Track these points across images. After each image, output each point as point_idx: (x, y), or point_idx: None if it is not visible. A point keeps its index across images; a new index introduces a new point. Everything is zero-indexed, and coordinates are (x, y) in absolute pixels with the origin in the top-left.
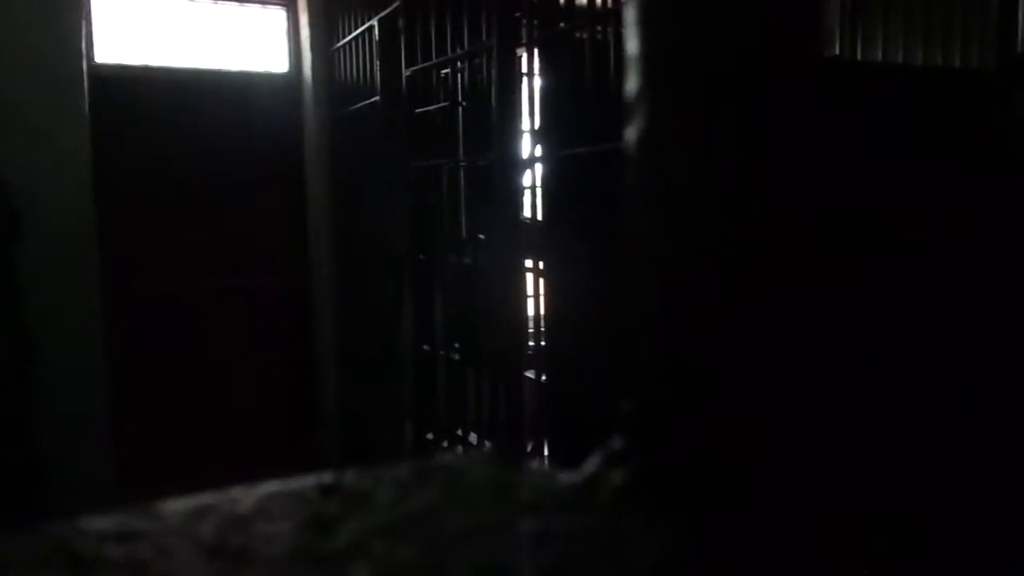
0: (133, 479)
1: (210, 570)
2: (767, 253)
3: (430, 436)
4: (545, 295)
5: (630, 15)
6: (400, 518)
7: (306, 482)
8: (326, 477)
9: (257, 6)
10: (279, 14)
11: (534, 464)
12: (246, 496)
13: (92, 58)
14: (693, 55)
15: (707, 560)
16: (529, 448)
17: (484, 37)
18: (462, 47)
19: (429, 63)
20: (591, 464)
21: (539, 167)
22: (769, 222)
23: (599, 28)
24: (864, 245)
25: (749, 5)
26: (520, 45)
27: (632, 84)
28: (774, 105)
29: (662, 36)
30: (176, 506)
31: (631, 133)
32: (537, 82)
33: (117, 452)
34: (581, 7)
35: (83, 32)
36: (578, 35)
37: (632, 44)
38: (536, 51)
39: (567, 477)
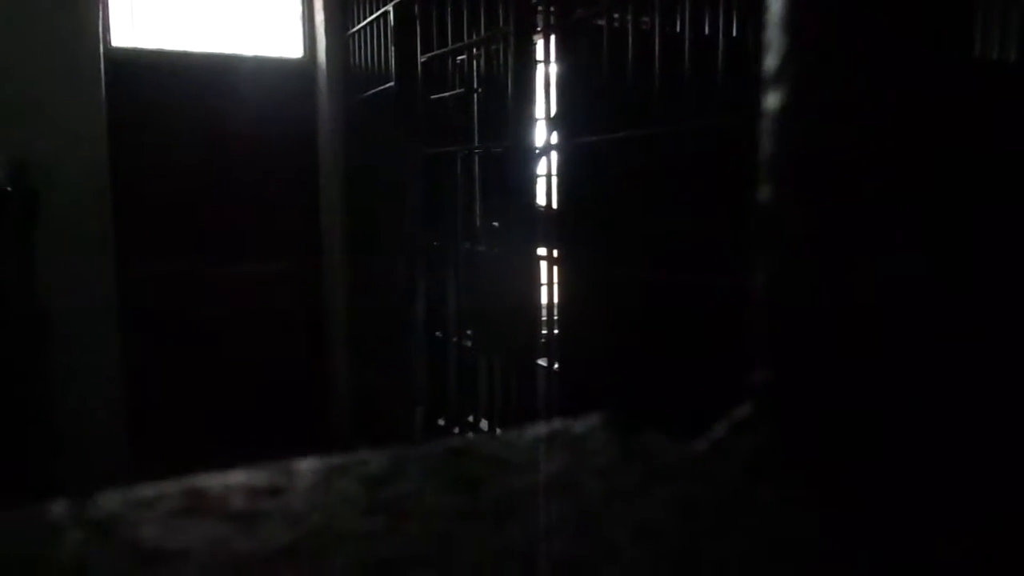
0: (147, 461)
1: (368, 523)
2: (915, 228)
3: (441, 422)
4: (559, 283)
5: None
6: (539, 481)
7: (431, 447)
8: (455, 441)
9: None
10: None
11: (650, 433)
12: (377, 457)
13: (108, 42)
14: (846, 23)
15: (845, 532)
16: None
17: (500, 23)
18: (478, 33)
19: (445, 49)
20: (716, 431)
21: (554, 155)
22: (916, 199)
23: (617, 15)
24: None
25: None
26: (536, 32)
27: (776, 52)
28: (932, 83)
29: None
30: (308, 465)
31: (771, 102)
32: (553, 69)
33: (131, 434)
34: None
35: (99, 16)
36: (596, 22)
37: (776, 7)
38: (553, 38)
39: (691, 445)
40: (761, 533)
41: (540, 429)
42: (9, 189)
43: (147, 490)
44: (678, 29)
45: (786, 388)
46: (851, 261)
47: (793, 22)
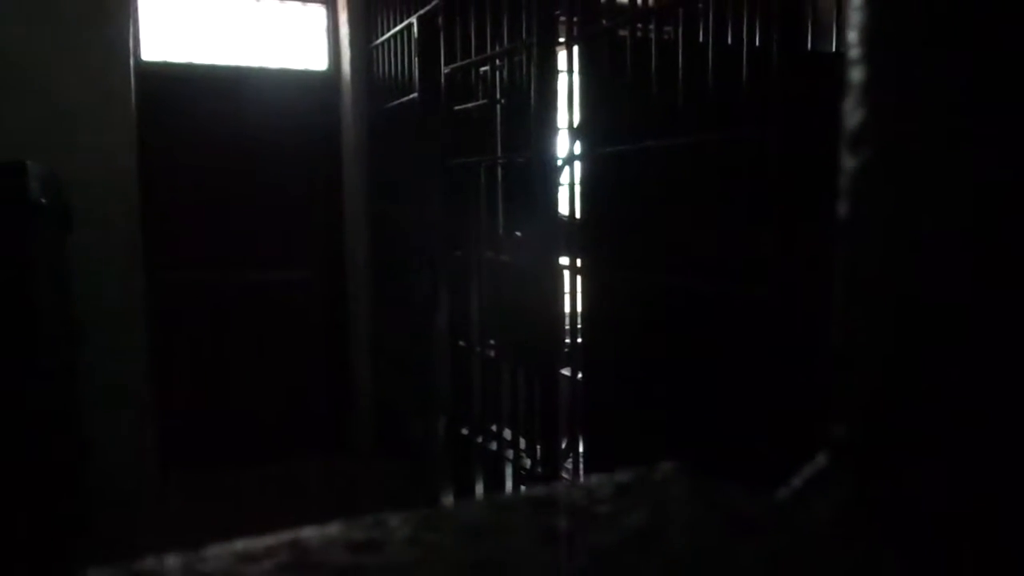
0: (172, 464)
1: None
2: (1008, 275)
3: (465, 431)
4: (582, 292)
5: (853, 38)
6: (628, 535)
7: (512, 497)
8: (537, 491)
9: (298, 3)
10: (319, 11)
11: (727, 481)
12: (467, 510)
13: (139, 56)
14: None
15: None
16: (564, 445)
17: (523, 35)
18: (501, 45)
19: (468, 60)
20: (796, 483)
21: (577, 164)
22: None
23: (640, 26)
24: None
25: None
26: (559, 43)
27: (856, 115)
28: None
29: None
30: (399, 518)
31: (850, 164)
32: (576, 80)
33: (159, 436)
34: (622, 5)
35: (130, 32)
36: (619, 32)
37: (857, 73)
38: (576, 48)
39: (770, 496)
40: None
41: (618, 477)
42: (43, 201)
43: (252, 544)
44: (701, 39)
45: (868, 443)
46: (930, 328)
47: (872, 92)
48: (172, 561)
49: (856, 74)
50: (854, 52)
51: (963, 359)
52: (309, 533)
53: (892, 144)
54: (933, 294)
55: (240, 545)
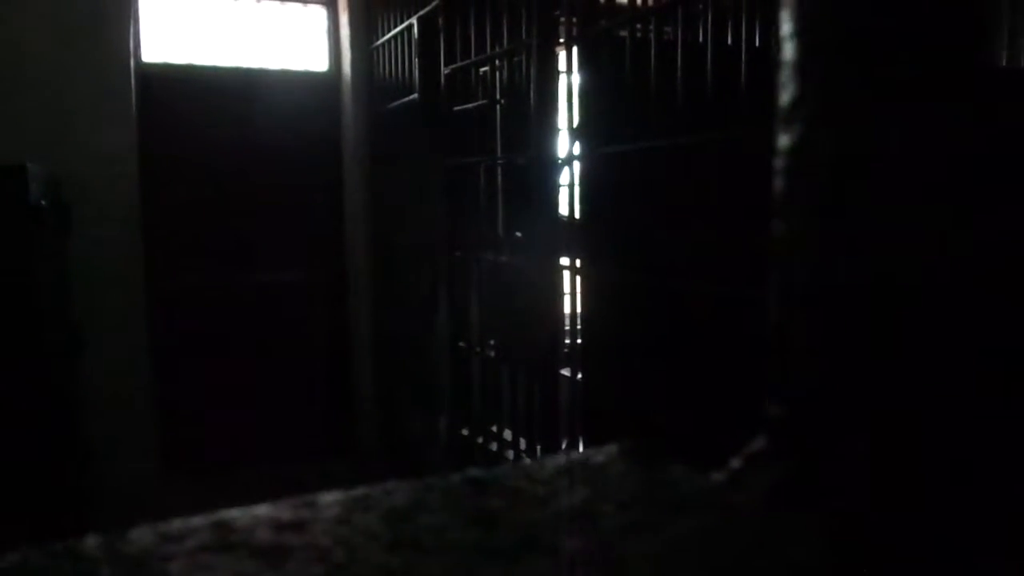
0: (174, 466)
1: (392, 560)
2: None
3: (465, 431)
4: (582, 293)
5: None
6: (559, 514)
7: (453, 479)
8: (474, 472)
9: (298, 5)
10: (320, 13)
11: (668, 462)
12: (399, 490)
13: (139, 58)
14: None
15: (878, 562)
16: (564, 446)
17: (523, 35)
18: (501, 45)
19: (468, 61)
20: (733, 464)
21: (577, 165)
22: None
23: (639, 26)
24: None
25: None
26: (559, 43)
27: (788, 94)
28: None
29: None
30: (331, 498)
31: (784, 140)
32: (576, 80)
33: (160, 440)
34: (621, 5)
35: (131, 33)
36: (619, 33)
37: (788, 50)
38: (575, 49)
39: (707, 477)
40: (781, 565)
41: (560, 459)
42: (43, 203)
43: (176, 525)
44: (700, 40)
45: (803, 424)
46: (858, 299)
47: (803, 67)
48: (92, 541)
49: (788, 52)
50: (786, 28)
51: (894, 341)
52: (235, 514)
53: (822, 120)
54: (865, 276)
55: (164, 525)
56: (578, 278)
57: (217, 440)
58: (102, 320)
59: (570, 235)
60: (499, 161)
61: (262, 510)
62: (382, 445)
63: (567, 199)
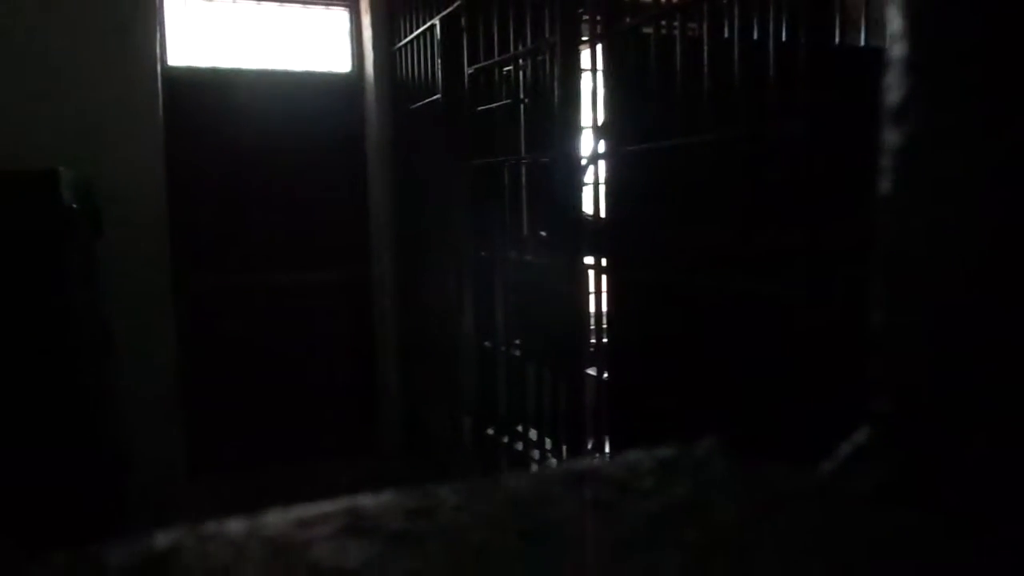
0: (203, 466)
1: (522, 548)
2: None
3: (491, 431)
4: (608, 292)
5: (894, 11)
6: (671, 506)
7: (554, 471)
8: (580, 465)
9: (320, 8)
10: (342, 15)
11: (766, 459)
12: (511, 481)
13: (165, 62)
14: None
15: (979, 558)
16: (590, 446)
17: (546, 34)
18: (524, 44)
19: (491, 61)
20: (835, 459)
21: (602, 163)
22: None
23: (664, 23)
24: None
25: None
26: (583, 41)
27: (899, 87)
28: None
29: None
30: (447, 492)
31: (892, 137)
32: (600, 78)
33: (188, 439)
34: (645, 2)
35: (157, 38)
36: (643, 30)
37: (898, 48)
38: (599, 47)
39: (810, 472)
40: (894, 557)
41: (661, 453)
42: (74, 206)
43: (309, 510)
44: (726, 35)
45: (910, 417)
46: (970, 295)
47: (916, 63)
48: (235, 525)
49: (898, 49)
50: (895, 25)
51: (1005, 333)
52: (364, 501)
53: (934, 120)
54: (976, 268)
55: (297, 512)
56: (603, 277)
57: (243, 439)
58: (131, 321)
59: (595, 234)
60: (523, 160)
61: (387, 498)
62: (407, 444)
63: (592, 198)
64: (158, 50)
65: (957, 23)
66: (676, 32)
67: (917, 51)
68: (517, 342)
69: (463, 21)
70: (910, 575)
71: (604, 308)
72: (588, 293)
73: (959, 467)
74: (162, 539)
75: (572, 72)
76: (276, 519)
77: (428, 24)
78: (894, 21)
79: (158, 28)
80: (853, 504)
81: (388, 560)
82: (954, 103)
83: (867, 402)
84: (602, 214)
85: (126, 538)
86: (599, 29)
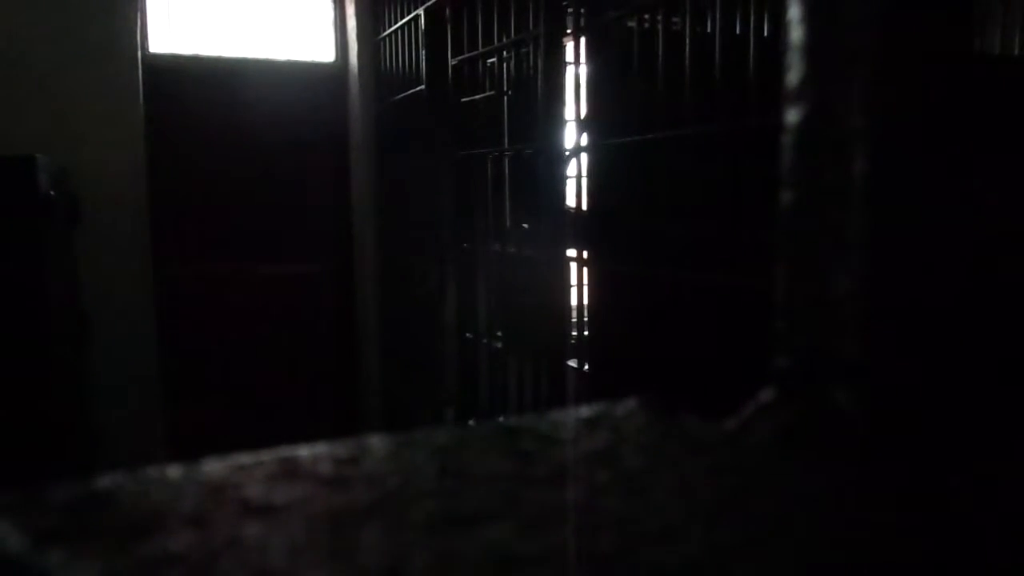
0: (181, 453)
1: (440, 486)
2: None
3: (471, 422)
4: (589, 284)
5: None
6: (588, 453)
7: (486, 426)
8: (504, 421)
9: None
10: (326, 3)
11: (684, 415)
12: (441, 432)
13: (146, 48)
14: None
15: (861, 487)
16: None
17: (531, 26)
18: (508, 36)
19: (475, 52)
20: (742, 414)
21: (584, 156)
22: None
23: (647, 16)
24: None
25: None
26: (566, 34)
27: (796, 73)
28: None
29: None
30: (378, 441)
31: (790, 115)
32: (584, 71)
33: (167, 427)
34: None
35: (137, 24)
36: (626, 23)
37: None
38: (583, 39)
39: (720, 424)
40: (788, 493)
41: (584, 411)
42: (52, 193)
43: (246, 458)
44: (708, 30)
45: (807, 374)
46: (864, 257)
47: (812, 47)
48: (174, 471)
49: (795, 34)
50: (793, 12)
51: (890, 294)
52: (299, 450)
53: (827, 99)
54: (867, 235)
55: (234, 459)
56: (585, 269)
57: (223, 429)
58: (110, 309)
59: (577, 226)
60: (506, 152)
61: (320, 448)
62: (389, 435)
63: (574, 190)
64: (139, 36)
65: (848, 9)
66: (659, 26)
67: (812, 36)
68: (499, 334)
69: (447, 12)
70: (782, 502)
71: (586, 300)
72: (570, 285)
73: (844, 417)
74: (103, 480)
75: (556, 64)
76: (215, 465)
77: (412, 14)
78: (792, 8)
79: (139, 14)
80: (752, 450)
81: (314, 499)
82: (845, 85)
83: (771, 362)
84: (584, 207)
85: (71, 480)
86: (583, 22)
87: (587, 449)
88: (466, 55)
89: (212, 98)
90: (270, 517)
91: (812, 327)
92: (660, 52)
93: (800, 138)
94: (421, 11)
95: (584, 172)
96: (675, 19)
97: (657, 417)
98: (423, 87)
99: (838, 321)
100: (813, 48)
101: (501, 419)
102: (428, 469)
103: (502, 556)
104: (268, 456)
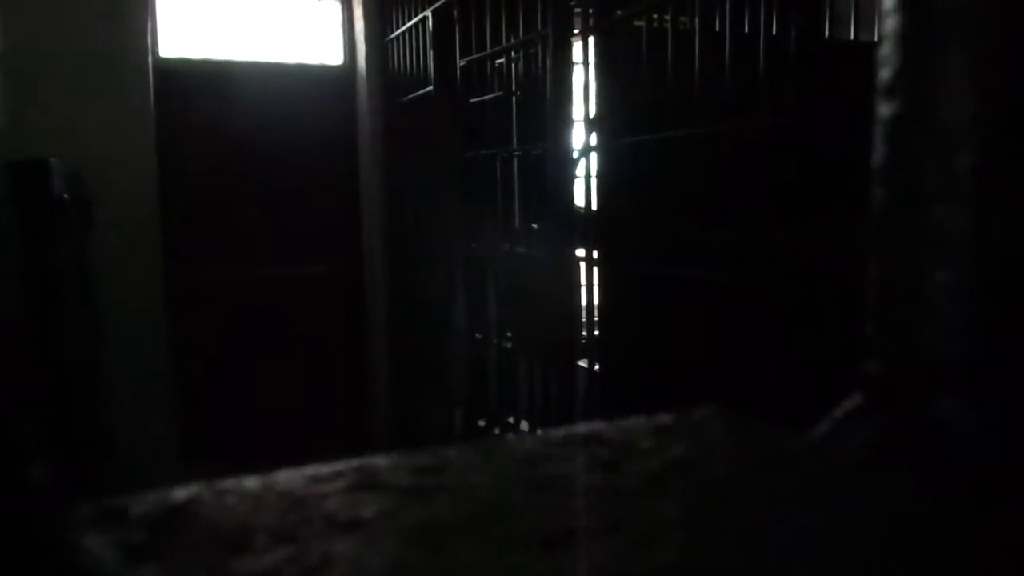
0: (192, 456)
1: (530, 499)
2: None
3: (481, 423)
4: (599, 284)
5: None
6: (674, 463)
7: (556, 433)
8: (582, 429)
9: None
10: (334, 6)
11: (761, 423)
12: (519, 443)
13: (157, 53)
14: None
15: (963, 509)
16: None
17: (539, 26)
18: (516, 37)
19: (483, 53)
20: (830, 420)
21: (593, 156)
22: None
23: (656, 15)
24: None
25: None
26: (575, 34)
27: (890, 66)
28: None
29: None
30: (457, 451)
31: (884, 110)
32: (592, 71)
33: (179, 430)
34: None
35: (148, 29)
36: (635, 22)
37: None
38: (591, 39)
39: (802, 434)
40: (882, 512)
41: (660, 419)
42: (65, 197)
43: (321, 468)
44: (717, 28)
45: (904, 378)
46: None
47: (907, 37)
48: (251, 482)
49: (890, 24)
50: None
51: (991, 298)
52: (374, 460)
53: (923, 92)
54: (967, 233)
55: (310, 469)
56: (595, 269)
57: (234, 432)
58: (123, 313)
59: (586, 226)
60: (515, 153)
61: (397, 457)
62: (398, 435)
63: (583, 190)
64: (149, 41)
65: None
66: (668, 25)
67: (908, 23)
68: (508, 334)
69: (455, 13)
70: (890, 525)
71: (596, 300)
72: (580, 285)
73: (944, 429)
74: (180, 492)
75: (564, 64)
76: (289, 476)
77: (420, 16)
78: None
79: (149, 18)
80: (841, 461)
81: (400, 512)
82: (941, 78)
83: (861, 366)
84: (594, 207)
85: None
86: (591, 21)
87: (672, 458)
88: (474, 56)
89: (222, 101)
90: (359, 532)
91: (909, 330)
92: (669, 51)
93: (896, 131)
94: (429, 12)
95: (593, 172)
96: (683, 18)
97: (735, 425)
98: (431, 88)
99: (939, 324)
100: (909, 36)
101: (579, 427)
102: (513, 480)
103: (615, 574)
104: (343, 466)
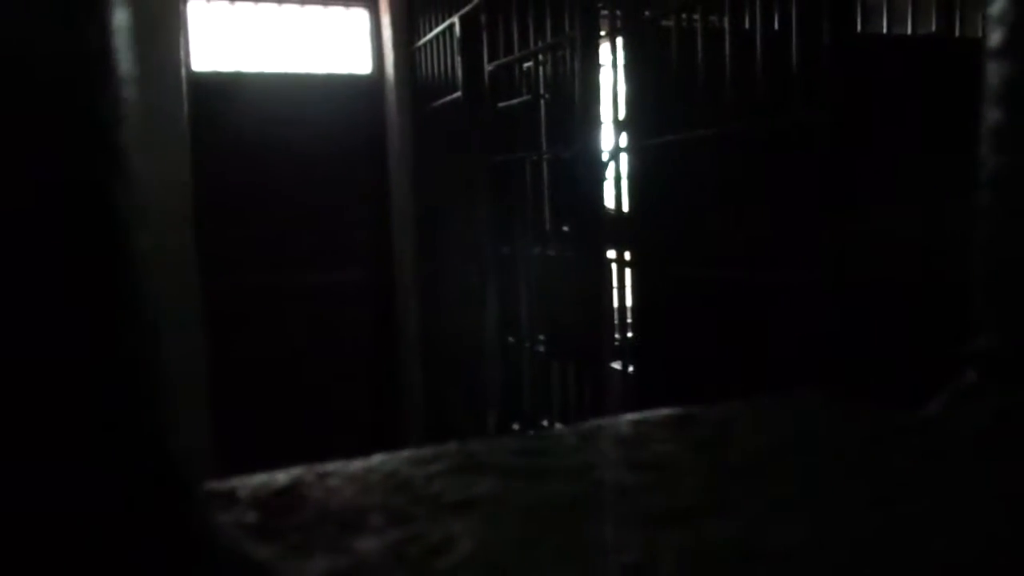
0: (227, 463)
1: (640, 478)
2: None
3: (515, 427)
4: (633, 286)
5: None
6: (779, 443)
7: (658, 414)
8: (676, 409)
9: (340, 7)
10: (362, 15)
11: (866, 405)
12: (617, 424)
13: (190, 67)
14: None
15: None
16: None
17: (566, 29)
18: (544, 40)
19: (511, 57)
20: (939, 401)
21: (623, 158)
22: None
23: (684, 15)
24: None
25: None
26: (602, 36)
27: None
28: None
29: None
30: (557, 433)
31: (998, 77)
32: (621, 72)
33: (214, 434)
34: None
35: (181, 43)
36: (663, 23)
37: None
38: (619, 41)
39: (913, 414)
40: (1012, 483)
41: (756, 401)
42: None
43: (423, 451)
44: (747, 26)
45: (1020, 353)
46: None
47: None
48: (354, 465)
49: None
50: None
51: None
52: (472, 443)
53: None
54: None
55: (406, 452)
56: (626, 271)
57: (269, 435)
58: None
59: (616, 228)
60: (544, 156)
61: (497, 440)
62: (431, 440)
63: (613, 192)
64: (183, 55)
65: None
66: (696, 24)
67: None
68: (541, 337)
69: (482, 18)
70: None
71: (628, 302)
72: (611, 287)
73: None
74: (282, 475)
75: (592, 67)
76: (388, 459)
77: (447, 23)
78: None
79: (183, 34)
80: (964, 437)
81: (510, 493)
82: None
83: (970, 343)
84: (624, 208)
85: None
86: (618, 23)
87: (777, 438)
88: (502, 60)
89: (254, 113)
90: (474, 511)
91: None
92: (699, 51)
93: (1011, 94)
94: (456, 19)
95: (623, 173)
96: (712, 17)
97: (838, 407)
98: (459, 94)
99: None
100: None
101: (678, 409)
102: (617, 461)
103: (740, 552)
104: (442, 449)
